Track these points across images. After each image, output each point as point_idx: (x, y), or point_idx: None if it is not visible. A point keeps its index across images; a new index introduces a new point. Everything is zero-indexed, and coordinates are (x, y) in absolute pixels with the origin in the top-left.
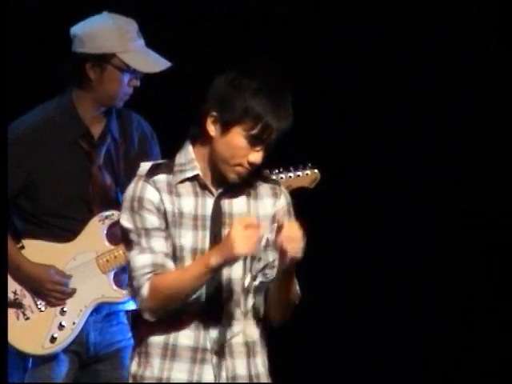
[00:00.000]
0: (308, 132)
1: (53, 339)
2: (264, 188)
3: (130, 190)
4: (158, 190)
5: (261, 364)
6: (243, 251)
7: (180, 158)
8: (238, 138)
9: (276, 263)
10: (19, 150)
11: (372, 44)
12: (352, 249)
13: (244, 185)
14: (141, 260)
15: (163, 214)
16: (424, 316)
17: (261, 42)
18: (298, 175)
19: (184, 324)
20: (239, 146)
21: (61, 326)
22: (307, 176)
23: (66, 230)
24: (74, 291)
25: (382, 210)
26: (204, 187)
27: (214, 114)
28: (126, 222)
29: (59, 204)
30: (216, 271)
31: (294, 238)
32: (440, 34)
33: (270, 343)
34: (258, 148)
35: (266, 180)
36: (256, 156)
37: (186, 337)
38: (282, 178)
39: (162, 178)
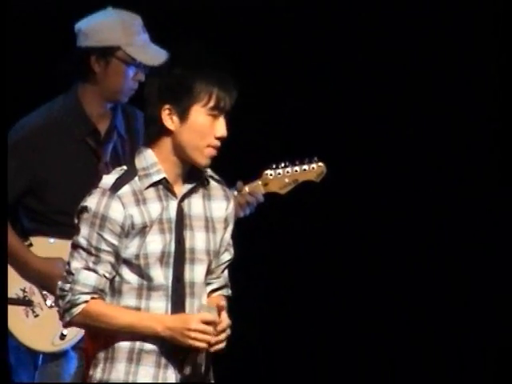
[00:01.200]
0: (314, 126)
1: (62, 336)
2: (216, 189)
3: (92, 204)
4: (123, 205)
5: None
6: (194, 345)
7: (141, 163)
8: (199, 116)
9: (222, 267)
10: (24, 151)
11: (384, 39)
12: (357, 244)
13: (199, 186)
14: (85, 276)
15: (128, 230)
16: (431, 316)
17: (267, 37)
18: (304, 169)
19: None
20: (203, 124)
21: None
22: (313, 170)
23: (73, 226)
24: None
25: (387, 206)
26: (167, 190)
27: (167, 106)
28: (82, 238)
29: (67, 202)
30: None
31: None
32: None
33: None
34: (220, 120)
35: (216, 181)
36: (221, 129)
37: (152, 341)
38: (288, 171)
39: (126, 189)
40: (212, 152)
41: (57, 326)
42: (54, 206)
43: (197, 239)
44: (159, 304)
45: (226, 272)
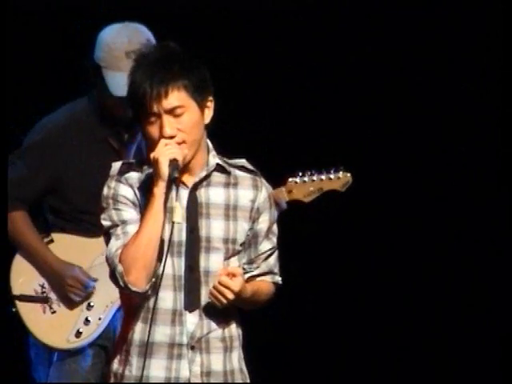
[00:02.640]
0: (343, 135)
1: (78, 334)
2: (244, 178)
3: (104, 191)
4: (130, 186)
5: (236, 359)
6: (164, 157)
7: (148, 162)
8: (143, 126)
9: (262, 256)
10: (45, 150)
11: (401, 46)
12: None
13: (221, 174)
14: (114, 245)
15: (139, 208)
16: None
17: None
18: (330, 178)
19: (161, 321)
20: (147, 132)
21: (87, 321)
22: (339, 179)
23: (95, 225)
24: (98, 288)
25: (402, 215)
26: (175, 181)
27: None
28: (104, 221)
29: (88, 200)
30: (162, 198)
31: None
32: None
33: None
34: (158, 122)
35: (248, 171)
36: (160, 130)
37: (162, 333)
38: (313, 180)
39: (133, 175)
40: (173, 150)
41: (73, 324)
42: (76, 205)
43: (213, 227)
44: (166, 294)
45: (271, 260)
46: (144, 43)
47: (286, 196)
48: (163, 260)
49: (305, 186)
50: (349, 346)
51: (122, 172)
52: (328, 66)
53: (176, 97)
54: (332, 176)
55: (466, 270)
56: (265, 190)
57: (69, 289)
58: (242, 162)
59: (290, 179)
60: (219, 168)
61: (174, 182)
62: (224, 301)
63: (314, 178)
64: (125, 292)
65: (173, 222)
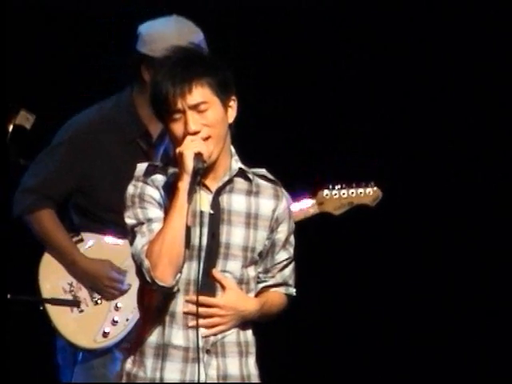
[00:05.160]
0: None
1: (105, 334)
2: (265, 187)
3: (129, 190)
4: (157, 187)
5: (253, 365)
6: (189, 150)
7: (173, 159)
8: (167, 124)
9: (278, 266)
10: (72, 149)
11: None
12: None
13: (244, 181)
14: (140, 242)
15: (164, 209)
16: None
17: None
18: (360, 192)
19: (177, 323)
20: (171, 129)
21: (114, 322)
22: (369, 194)
23: (120, 225)
24: (129, 288)
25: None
26: (199, 184)
27: None
28: (129, 219)
29: (115, 200)
30: (186, 192)
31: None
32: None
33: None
34: (182, 119)
35: (269, 180)
36: (185, 126)
37: (178, 336)
38: (344, 193)
39: (159, 177)
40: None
41: (100, 324)
42: (102, 204)
43: (234, 234)
44: (182, 298)
45: (287, 271)
46: (197, 34)
47: (316, 208)
48: (200, 266)
49: (336, 199)
50: (363, 359)
51: (149, 173)
52: (357, 78)
53: (200, 93)
54: (363, 190)
55: (498, 293)
56: (285, 199)
57: (104, 288)
58: (263, 171)
59: (321, 191)
60: (241, 174)
61: (198, 174)
62: (221, 320)
63: (345, 191)
64: (152, 288)
65: (201, 211)
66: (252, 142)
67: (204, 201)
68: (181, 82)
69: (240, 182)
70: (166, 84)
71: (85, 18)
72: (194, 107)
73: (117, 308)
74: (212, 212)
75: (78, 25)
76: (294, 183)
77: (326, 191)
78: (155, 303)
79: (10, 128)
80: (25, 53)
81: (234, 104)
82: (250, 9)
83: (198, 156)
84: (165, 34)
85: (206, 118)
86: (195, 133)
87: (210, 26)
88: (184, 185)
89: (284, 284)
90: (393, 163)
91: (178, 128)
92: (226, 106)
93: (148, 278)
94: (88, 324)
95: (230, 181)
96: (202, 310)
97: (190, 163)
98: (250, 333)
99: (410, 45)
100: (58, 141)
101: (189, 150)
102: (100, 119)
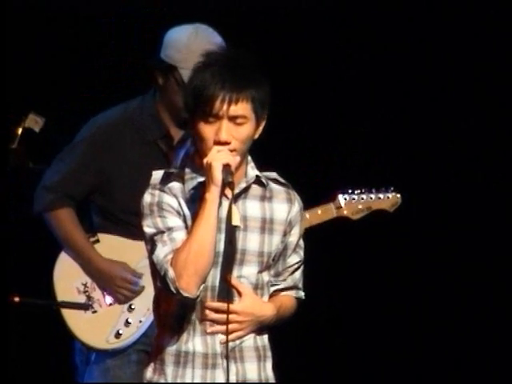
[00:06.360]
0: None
1: (118, 335)
2: (278, 192)
3: (147, 199)
4: (174, 196)
5: (270, 369)
6: (218, 162)
7: (189, 168)
8: (198, 124)
9: (290, 269)
10: (92, 147)
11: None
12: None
13: (259, 187)
14: (162, 251)
15: (183, 217)
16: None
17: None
18: (379, 197)
19: (195, 330)
20: (201, 130)
21: (127, 323)
22: (388, 199)
23: (137, 227)
24: (143, 289)
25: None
26: (232, 197)
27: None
28: (148, 227)
29: (134, 201)
30: (214, 201)
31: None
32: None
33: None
34: (216, 124)
35: (280, 184)
36: (217, 133)
37: (197, 343)
38: (362, 198)
39: (176, 185)
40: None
41: (113, 324)
42: (121, 205)
43: (249, 240)
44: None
45: (297, 274)
46: (219, 44)
47: (334, 212)
48: (219, 273)
49: (354, 203)
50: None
51: (165, 181)
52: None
53: (244, 107)
54: (382, 195)
55: None
56: (297, 203)
57: (117, 289)
58: (274, 175)
59: (340, 195)
60: (257, 180)
61: (228, 186)
62: (239, 326)
63: (364, 196)
64: (176, 298)
65: (234, 226)
66: (257, 144)
67: (236, 215)
68: (230, 89)
69: (254, 188)
70: (215, 86)
71: (85, 18)
72: (233, 118)
73: (130, 309)
74: (240, 225)
75: (78, 25)
76: (303, 186)
77: (345, 195)
78: (172, 311)
79: (19, 131)
80: (25, 54)
81: (264, 121)
82: (250, 9)
83: (227, 168)
84: (179, 40)
85: (238, 133)
86: (225, 143)
87: (209, 26)
88: (212, 196)
89: (294, 287)
90: (404, 168)
91: (208, 131)
92: (258, 122)
93: (172, 288)
94: (101, 324)
95: (247, 187)
96: (219, 316)
97: (218, 175)
98: (266, 337)
99: (410, 45)
100: (78, 139)
101: (217, 161)
102: (122, 119)
